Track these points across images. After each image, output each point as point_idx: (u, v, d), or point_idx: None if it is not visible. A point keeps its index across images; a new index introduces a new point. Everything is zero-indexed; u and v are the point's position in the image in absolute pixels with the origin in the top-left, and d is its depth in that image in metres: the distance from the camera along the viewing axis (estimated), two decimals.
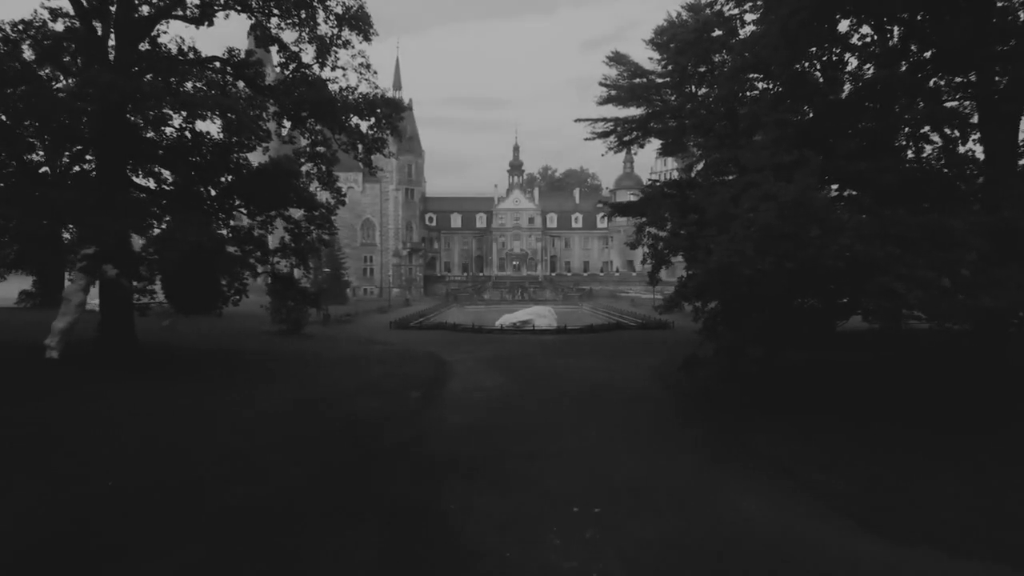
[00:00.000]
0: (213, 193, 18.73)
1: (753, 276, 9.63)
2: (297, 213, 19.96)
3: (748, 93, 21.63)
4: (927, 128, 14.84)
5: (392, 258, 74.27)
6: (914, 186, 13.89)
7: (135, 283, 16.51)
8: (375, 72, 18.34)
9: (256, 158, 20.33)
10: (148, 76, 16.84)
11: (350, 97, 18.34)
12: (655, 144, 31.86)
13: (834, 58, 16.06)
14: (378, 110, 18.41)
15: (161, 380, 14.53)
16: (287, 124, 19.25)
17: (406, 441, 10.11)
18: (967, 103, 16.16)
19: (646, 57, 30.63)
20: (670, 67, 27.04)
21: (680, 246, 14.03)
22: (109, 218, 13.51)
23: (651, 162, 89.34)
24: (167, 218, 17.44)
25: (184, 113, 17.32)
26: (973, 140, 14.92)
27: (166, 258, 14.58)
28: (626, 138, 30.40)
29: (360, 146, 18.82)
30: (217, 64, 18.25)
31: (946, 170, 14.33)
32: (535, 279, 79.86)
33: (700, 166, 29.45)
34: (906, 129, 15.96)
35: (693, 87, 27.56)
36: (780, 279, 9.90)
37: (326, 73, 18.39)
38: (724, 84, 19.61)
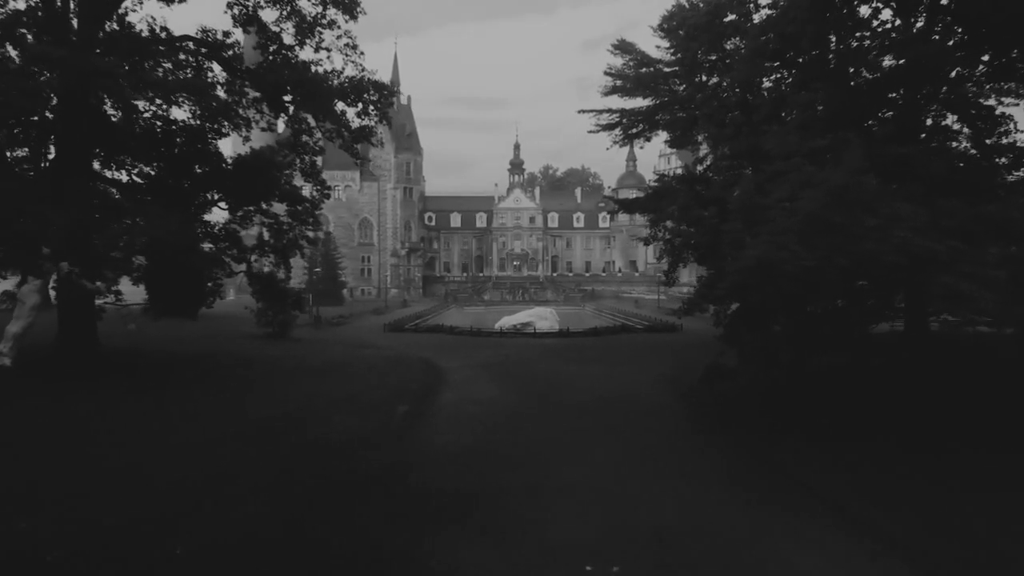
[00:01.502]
0: (186, 186, 17.22)
1: (798, 274, 8.10)
2: (280, 210, 18.52)
3: (766, 79, 20.19)
4: (975, 110, 13.35)
5: (390, 258, 72.76)
6: (963, 174, 12.37)
7: (98, 283, 15.04)
8: (362, 53, 16.83)
9: (232, 148, 18.80)
10: (112, 57, 15.35)
11: (335, 81, 16.84)
12: (660, 139, 30.49)
13: (867, 35, 14.55)
14: (365, 95, 16.89)
15: (119, 392, 13.01)
16: (267, 112, 17.71)
17: (384, 471, 8.58)
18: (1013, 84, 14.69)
19: (653, 46, 29.11)
20: (679, 55, 25.57)
21: (701, 240, 12.46)
22: (58, 210, 11.99)
23: (654, 160, 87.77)
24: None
25: (154, 97, 15.88)
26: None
27: (125, 255, 13.09)
28: (632, 131, 28.88)
29: (347, 134, 17.31)
30: (190, 44, 16.74)
31: (998, 157, 12.85)
32: (536, 279, 78.33)
33: (708, 161, 28.03)
34: (944, 113, 14.50)
35: (703, 76, 26.10)
36: (829, 277, 8.37)
37: (308, 54, 16.95)
38: (741, 68, 18.07)
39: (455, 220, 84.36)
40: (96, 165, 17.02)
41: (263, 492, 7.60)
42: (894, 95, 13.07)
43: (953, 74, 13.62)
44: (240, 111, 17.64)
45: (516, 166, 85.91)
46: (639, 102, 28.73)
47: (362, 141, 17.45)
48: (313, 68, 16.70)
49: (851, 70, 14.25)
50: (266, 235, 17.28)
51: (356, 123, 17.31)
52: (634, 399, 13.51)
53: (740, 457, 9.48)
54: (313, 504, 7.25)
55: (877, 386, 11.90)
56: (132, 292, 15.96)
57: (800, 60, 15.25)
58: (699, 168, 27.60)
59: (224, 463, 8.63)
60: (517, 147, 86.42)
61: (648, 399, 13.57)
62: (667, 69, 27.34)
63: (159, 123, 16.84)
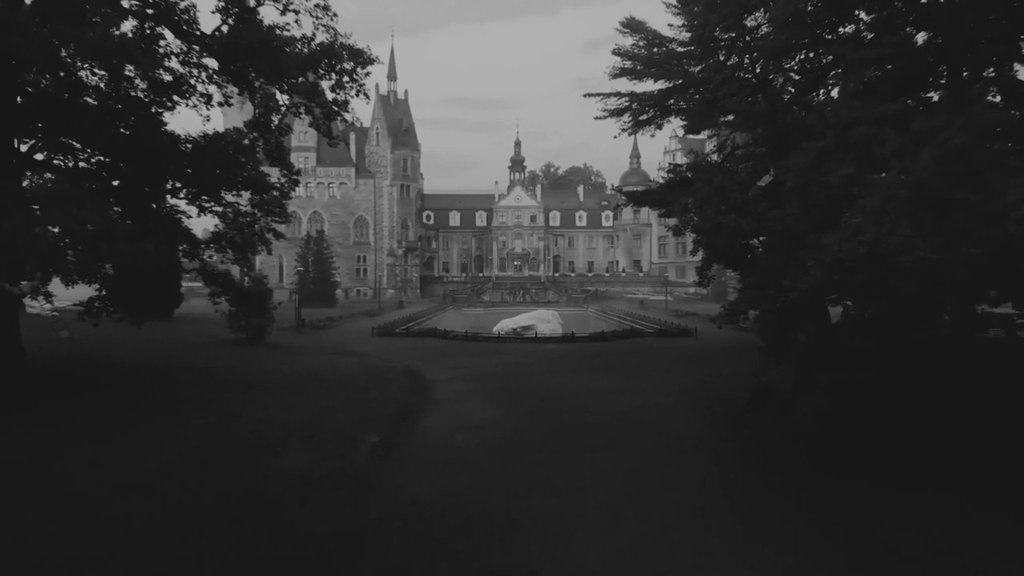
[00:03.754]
0: (134, 172, 14.82)
1: (912, 268, 5.69)
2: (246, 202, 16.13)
3: (798, 55, 17.86)
4: None
5: (387, 258, 70.37)
6: None
7: (22, 284, 12.64)
8: (335, 15, 14.42)
9: (181, 126, 16.35)
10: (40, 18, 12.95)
11: (304, 48, 14.45)
12: (665, 133, 28.26)
13: None
14: (339, 64, 14.49)
15: (38, 417, 10.59)
16: (228, 85, 15.29)
17: (325, 543, 6.15)
18: None
19: (665, 24, 26.53)
20: (693, 32, 23.20)
21: (743, 228, 9.93)
22: None
23: (657, 157, 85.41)
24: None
25: (92, 67, 13.57)
26: None
27: (31, 251, 10.68)
28: (642, 117, 26.39)
29: (318, 110, 14.91)
30: (134, 4, 14.33)
31: None
32: (537, 280, 75.84)
33: (726, 149, 25.62)
34: None
35: (722, 55, 23.69)
36: (955, 273, 5.95)
37: (274, 16, 14.55)
38: (777, 34, 15.62)
39: (454, 219, 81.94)
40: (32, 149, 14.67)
41: None
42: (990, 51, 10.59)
43: None
44: (199, 86, 15.31)
45: (517, 163, 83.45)
46: (650, 86, 26.32)
47: (336, 117, 15.05)
48: (279, 32, 14.32)
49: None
50: (221, 226, 14.85)
51: (329, 97, 14.91)
52: (658, 425, 11.05)
53: (813, 514, 7.03)
54: None
55: (973, 413, 9.45)
56: (78, 294, 13.63)
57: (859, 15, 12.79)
58: (713, 157, 25.10)
59: (105, 532, 6.21)
60: (518, 144, 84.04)
61: (675, 425, 11.12)
62: (681, 49, 24.93)
63: (106, 100, 14.47)
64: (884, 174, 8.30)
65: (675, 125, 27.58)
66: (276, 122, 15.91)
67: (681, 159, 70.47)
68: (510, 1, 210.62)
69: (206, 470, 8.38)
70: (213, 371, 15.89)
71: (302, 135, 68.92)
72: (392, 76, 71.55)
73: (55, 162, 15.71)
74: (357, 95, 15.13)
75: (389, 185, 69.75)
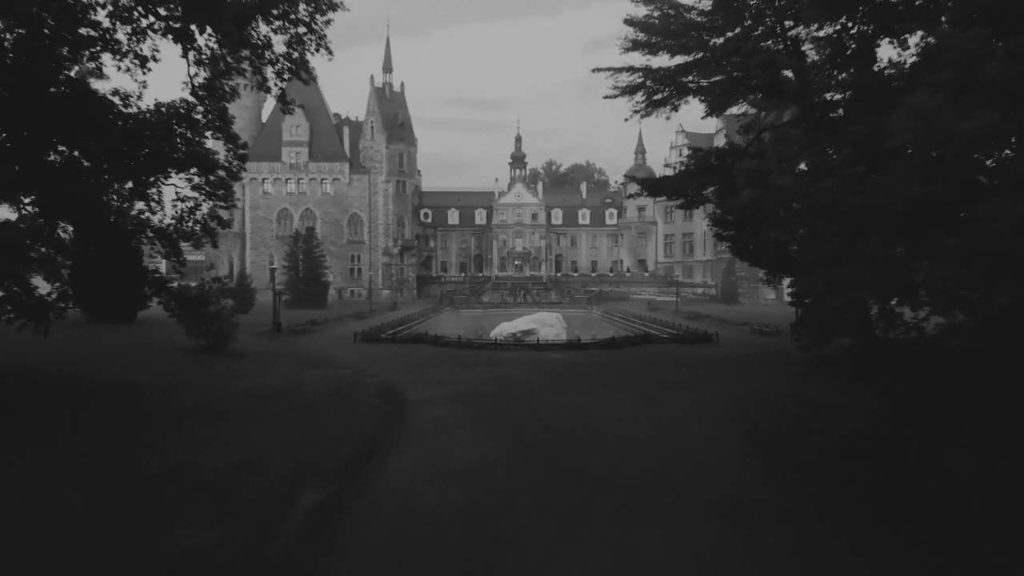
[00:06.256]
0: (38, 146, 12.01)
1: None
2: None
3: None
4: None
5: (382, 257, 67.49)
6: None
7: None
8: None
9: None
10: None
11: None
12: (672, 125, 25.34)
13: None
14: (293, 13, 11.68)
15: None
16: (164, 36, 12.47)
17: None
18: None
19: None
20: None
21: (843, 200, 6.92)
22: None
23: (664, 152, 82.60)
24: None
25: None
26: None
27: None
28: (656, 96, 23.52)
29: (269, 68, 12.10)
30: None
31: None
32: (539, 280, 72.89)
33: (727, 136, 22.77)
34: None
35: (748, 22, 20.87)
36: None
37: None
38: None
39: (453, 217, 79.06)
40: None
41: None
42: None
43: None
44: (133, 45, 12.55)
45: (518, 159, 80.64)
46: (665, 61, 23.46)
47: (291, 78, 12.22)
48: None
49: None
50: (146, 215, 12.06)
51: (283, 54, 12.09)
52: (705, 476, 8.14)
53: None
54: None
55: None
56: None
57: None
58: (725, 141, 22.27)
59: None
60: (519, 139, 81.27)
61: (728, 475, 8.22)
62: (700, 18, 22.05)
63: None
64: None
65: (687, 111, 24.57)
66: (224, 87, 13.10)
67: (686, 153, 67.84)
68: (510, 1, 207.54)
69: (42, 561, 5.53)
70: (143, 388, 13.03)
71: (294, 129, 66.17)
72: (387, 68, 68.75)
73: None
74: (317, 50, 12.29)
75: (384, 181, 66.87)
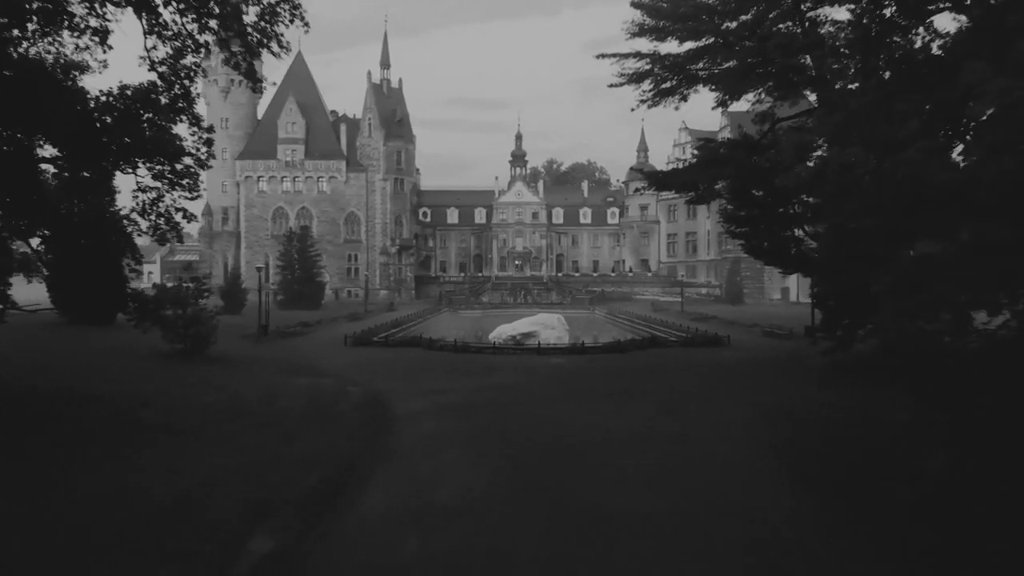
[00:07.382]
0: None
1: None
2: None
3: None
4: None
5: (379, 256, 66.10)
6: None
7: None
8: None
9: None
10: None
11: None
12: (676, 119, 24.32)
13: None
14: None
15: None
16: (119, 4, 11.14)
17: None
18: None
19: None
20: None
21: (932, 176, 5.52)
22: None
23: (667, 150, 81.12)
24: None
25: None
26: None
27: None
28: (665, 85, 22.15)
29: (237, 42, 10.75)
30: None
31: None
32: (539, 280, 71.50)
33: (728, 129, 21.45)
34: None
35: (764, 1, 19.55)
36: None
37: None
38: None
39: (452, 216, 77.69)
40: None
41: None
42: None
43: None
44: (91, 19, 11.22)
45: (518, 158, 79.28)
46: (674, 48, 22.11)
47: (260, 51, 10.87)
48: None
49: None
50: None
51: (254, 26, 10.75)
52: (740, 516, 6.77)
53: None
54: None
55: None
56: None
57: None
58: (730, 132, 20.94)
59: None
60: (519, 137, 79.88)
61: (770, 514, 6.86)
62: (711, 1, 20.70)
63: None
64: None
65: (694, 103, 23.24)
66: (191, 66, 11.75)
67: (689, 151, 66.43)
68: (510, 1, 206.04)
69: None
70: (101, 400, 11.64)
71: (289, 126, 64.91)
72: (385, 64, 67.39)
73: None
74: (291, 22, 10.93)
75: (382, 179, 65.49)
